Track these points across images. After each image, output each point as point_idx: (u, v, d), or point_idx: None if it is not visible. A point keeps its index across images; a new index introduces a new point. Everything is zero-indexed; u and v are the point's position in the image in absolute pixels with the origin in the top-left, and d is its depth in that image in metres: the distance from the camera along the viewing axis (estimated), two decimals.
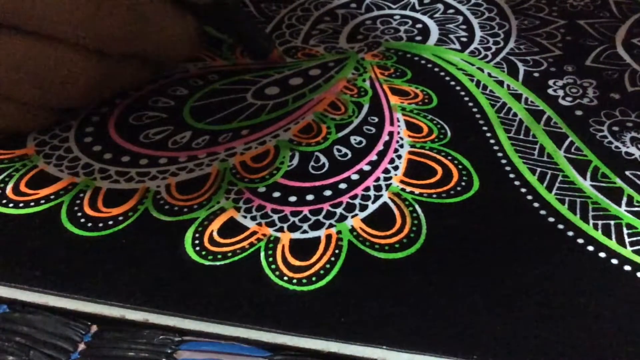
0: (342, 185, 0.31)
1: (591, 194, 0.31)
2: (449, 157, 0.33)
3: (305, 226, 0.29)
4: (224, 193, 0.31)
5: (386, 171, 0.32)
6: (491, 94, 0.37)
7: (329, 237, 0.29)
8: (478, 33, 0.43)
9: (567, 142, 0.34)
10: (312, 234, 0.29)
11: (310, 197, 0.31)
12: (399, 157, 0.33)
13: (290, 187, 0.31)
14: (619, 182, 0.32)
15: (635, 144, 0.34)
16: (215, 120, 0.35)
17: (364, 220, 0.30)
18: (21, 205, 0.31)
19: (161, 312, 0.26)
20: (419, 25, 0.43)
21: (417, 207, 0.30)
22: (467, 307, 0.27)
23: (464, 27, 0.43)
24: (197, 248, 0.29)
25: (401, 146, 0.34)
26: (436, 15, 0.44)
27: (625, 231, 0.30)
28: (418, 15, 0.44)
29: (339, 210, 0.30)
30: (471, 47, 0.41)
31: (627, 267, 0.28)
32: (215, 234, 0.29)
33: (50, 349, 0.25)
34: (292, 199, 0.31)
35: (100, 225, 0.30)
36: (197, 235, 0.29)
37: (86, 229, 0.29)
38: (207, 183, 0.32)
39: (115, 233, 0.29)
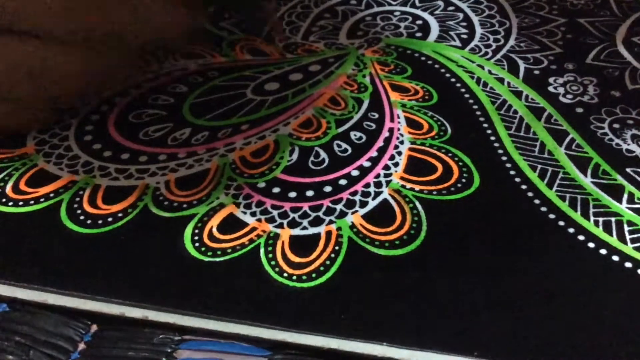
0: (342, 182, 0.31)
1: (592, 191, 0.31)
2: (450, 154, 0.33)
3: (305, 222, 0.29)
4: (223, 189, 0.31)
5: (386, 167, 0.32)
6: (491, 91, 0.37)
7: (329, 234, 0.29)
8: (478, 30, 0.43)
9: (567, 139, 0.34)
10: (312, 231, 0.29)
11: (310, 193, 0.31)
12: (399, 153, 0.33)
13: (290, 182, 0.31)
14: (620, 179, 0.32)
15: (636, 142, 0.34)
16: (215, 116, 0.35)
17: (364, 216, 0.30)
18: (21, 203, 0.30)
19: (161, 309, 0.26)
20: (419, 22, 0.43)
21: (417, 203, 0.30)
22: (468, 304, 0.26)
23: (464, 24, 0.43)
24: (197, 244, 0.28)
25: (401, 143, 0.34)
26: (436, 11, 0.44)
27: (626, 228, 0.30)
28: (418, 12, 0.44)
29: (339, 207, 0.30)
30: (471, 45, 0.41)
31: (628, 264, 0.28)
32: (214, 230, 0.29)
33: (51, 349, 0.25)
34: (292, 194, 0.31)
35: (100, 222, 0.30)
36: (196, 231, 0.29)
37: (86, 226, 0.29)
38: (206, 178, 0.31)
39: (114, 230, 0.29)
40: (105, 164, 0.32)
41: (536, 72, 0.39)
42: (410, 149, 0.33)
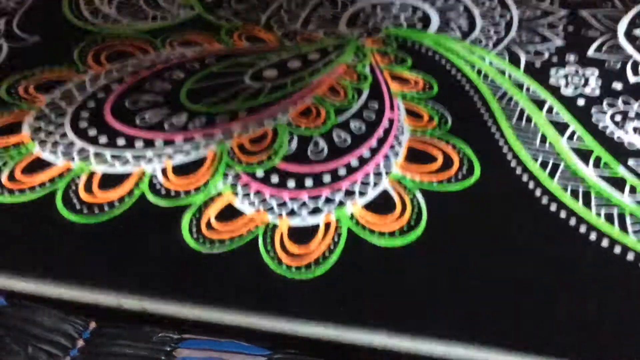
0: (342, 171, 0.31)
1: (593, 183, 0.31)
2: (450, 144, 0.33)
3: (304, 212, 0.29)
4: (221, 177, 0.31)
5: (386, 157, 0.32)
6: (492, 83, 0.37)
7: (328, 224, 0.28)
8: (479, 22, 0.42)
9: (569, 131, 0.34)
10: (310, 221, 0.29)
11: (309, 183, 0.30)
12: (399, 143, 0.33)
13: (288, 171, 0.31)
14: (622, 172, 0.32)
15: (637, 134, 0.34)
16: (213, 102, 0.35)
17: (363, 207, 0.29)
18: (16, 192, 0.30)
19: (158, 300, 0.26)
20: (420, 13, 0.43)
21: (417, 193, 0.30)
22: (468, 293, 0.26)
23: (465, 16, 0.43)
24: (194, 234, 0.28)
25: (401, 133, 0.33)
26: (437, 3, 0.44)
27: (628, 220, 0.29)
28: (419, 3, 0.44)
29: (338, 197, 0.30)
30: (472, 36, 0.41)
31: (630, 256, 0.28)
32: (212, 220, 0.29)
33: (49, 346, 0.25)
34: (291, 184, 0.30)
35: (96, 210, 0.29)
36: (194, 221, 0.29)
37: (81, 214, 0.29)
38: (204, 166, 0.31)
39: (111, 218, 0.29)
40: (101, 151, 0.32)
41: (537, 64, 0.39)
42: (411, 140, 0.33)
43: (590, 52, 0.40)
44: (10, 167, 0.31)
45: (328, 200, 0.29)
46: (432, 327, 0.25)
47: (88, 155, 0.32)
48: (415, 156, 0.32)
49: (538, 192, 0.30)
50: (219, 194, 0.30)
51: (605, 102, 0.36)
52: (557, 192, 0.30)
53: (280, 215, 0.29)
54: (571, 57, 0.40)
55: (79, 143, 0.32)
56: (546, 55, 0.39)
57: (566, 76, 0.38)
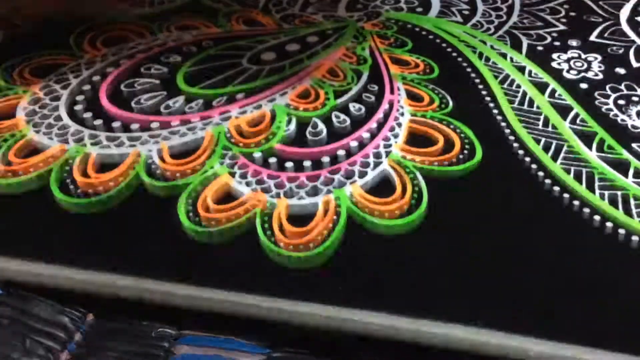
0: (341, 152, 0.30)
1: (597, 165, 0.30)
2: (451, 126, 0.32)
3: (302, 192, 0.28)
4: (218, 158, 0.30)
5: (386, 139, 0.31)
6: (494, 66, 0.36)
7: (327, 204, 0.28)
8: (480, 6, 0.42)
9: (572, 114, 0.34)
10: (309, 201, 0.28)
11: (307, 164, 0.30)
12: (399, 125, 0.32)
13: (287, 153, 0.30)
14: (626, 154, 0.31)
15: None
16: (210, 84, 0.34)
17: (363, 187, 0.29)
18: (9, 174, 0.29)
19: (155, 281, 0.25)
20: None
21: (418, 174, 0.29)
22: (468, 274, 0.26)
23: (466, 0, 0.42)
24: (191, 215, 0.27)
25: (402, 114, 0.33)
26: None
27: (632, 202, 0.29)
28: None
29: (337, 177, 0.29)
30: (473, 20, 0.40)
31: (635, 238, 0.27)
32: (209, 201, 0.28)
33: (47, 338, 0.24)
34: (289, 165, 0.30)
35: (90, 191, 0.29)
36: (190, 201, 0.28)
37: (76, 196, 0.28)
38: (200, 147, 0.30)
39: (105, 199, 0.28)
40: (95, 132, 0.31)
41: (539, 48, 0.38)
42: (411, 121, 0.32)
43: (593, 37, 0.40)
44: (3, 150, 0.30)
45: (327, 181, 0.29)
46: (433, 306, 0.24)
47: (83, 138, 0.31)
48: (416, 139, 0.32)
49: (541, 174, 0.30)
50: (216, 176, 0.29)
51: (608, 86, 0.36)
52: (560, 173, 0.30)
53: (279, 196, 0.28)
54: (573, 42, 0.39)
55: (74, 126, 0.32)
56: (548, 39, 0.39)
57: (568, 60, 0.38)
